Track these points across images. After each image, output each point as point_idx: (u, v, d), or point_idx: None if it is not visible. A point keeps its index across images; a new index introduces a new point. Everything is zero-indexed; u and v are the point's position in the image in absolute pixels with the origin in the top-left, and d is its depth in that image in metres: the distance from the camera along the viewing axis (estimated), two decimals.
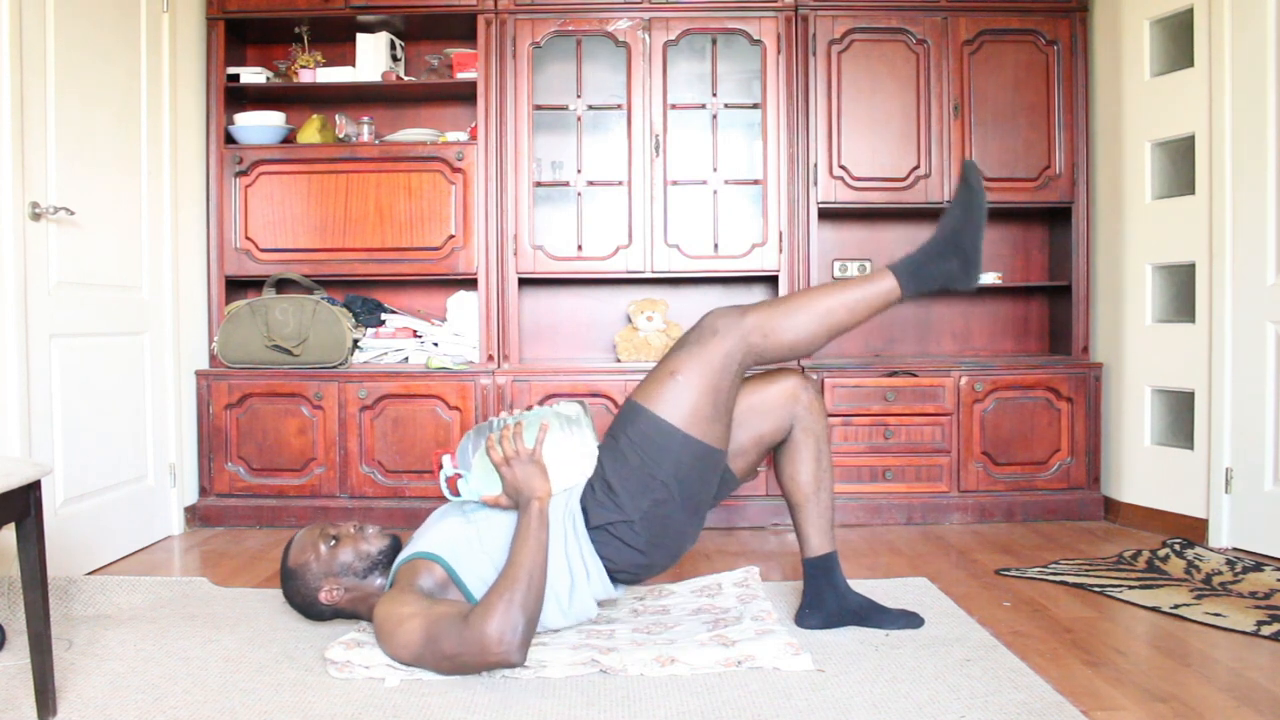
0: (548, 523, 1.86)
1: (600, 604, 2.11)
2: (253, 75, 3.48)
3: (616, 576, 1.98)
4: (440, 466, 1.99)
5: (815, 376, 3.29)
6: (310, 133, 3.48)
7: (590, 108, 3.50)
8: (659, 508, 1.92)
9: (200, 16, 3.41)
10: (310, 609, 2.05)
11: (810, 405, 2.09)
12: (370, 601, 2.01)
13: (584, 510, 1.94)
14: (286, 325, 3.30)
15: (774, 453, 2.14)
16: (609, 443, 1.99)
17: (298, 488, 3.29)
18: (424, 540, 1.96)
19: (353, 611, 2.05)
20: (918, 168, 3.44)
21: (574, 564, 1.93)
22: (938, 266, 1.96)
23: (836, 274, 3.61)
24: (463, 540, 1.93)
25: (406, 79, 3.52)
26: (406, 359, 3.44)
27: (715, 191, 3.48)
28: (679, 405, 1.91)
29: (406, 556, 1.94)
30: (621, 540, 1.92)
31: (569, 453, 1.97)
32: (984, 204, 1.97)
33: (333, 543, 2.03)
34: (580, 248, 3.46)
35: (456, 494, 1.98)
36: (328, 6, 3.39)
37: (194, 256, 3.38)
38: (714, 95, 3.48)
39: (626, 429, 1.95)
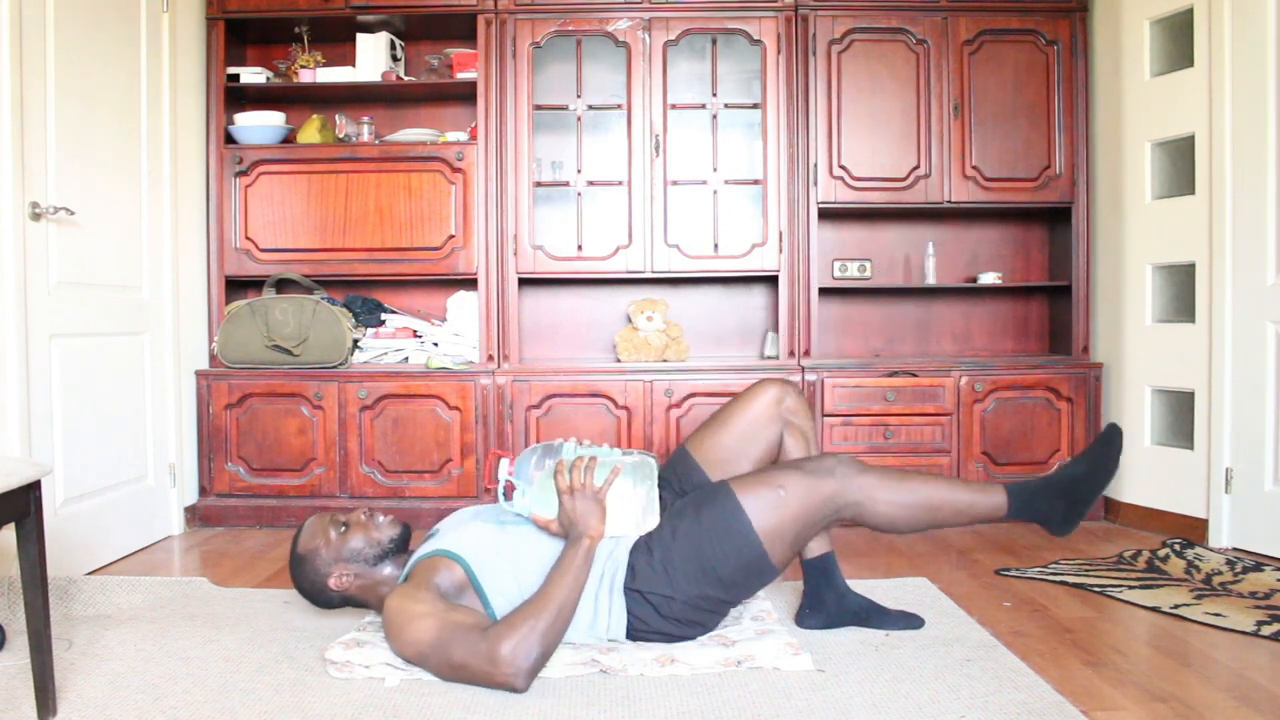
0: (591, 563, 1.85)
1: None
2: (253, 75, 3.48)
3: (635, 634, 1.95)
4: (495, 466, 1.97)
5: (815, 377, 3.29)
6: (310, 133, 3.48)
7: (590, 108, 3.50)
8: (704, 600, 1.91)
9: (200, 16, 3.41)
10: (319, 596, 2.03)
11: (795, 408, 2.13)
12: (379, 591, 2.00)
13: (631, 567, 1.92)
14: (286, 325, 3.30)
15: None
16: (688, 515, 1.95)
17: (298, 488, 3.29)
18: (450, 539, 1.94)
19: (361, 600, 2.03)
20: (918, 168, 3.44)
21: (600, 608, 1.91)
22: (1047, 505, 1.98)
23: (836, 274, 3.61)
24: (491, 548, 1.91)
25: (406, 79, 3.52)
26: (406, 359, 3.44)
27: (715, 191, 3.48)
28: (770, 518, 1.90)
29: (428, 552, 1.92)
30: (656, 609, 1.91)
31: (632, 504, 1.94)
32: (1114, 470, 1.99)
33: (343, 529, 2.02)
34: (580, 248, 3.46)
35: (509, 501, 1.96)
36: (328, 6, 3.39)
37: (194, 256, 3.38)
38: (714, 95, 3.48)
39: (712, 511, 1.92)
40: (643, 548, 1.93)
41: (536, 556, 1.90)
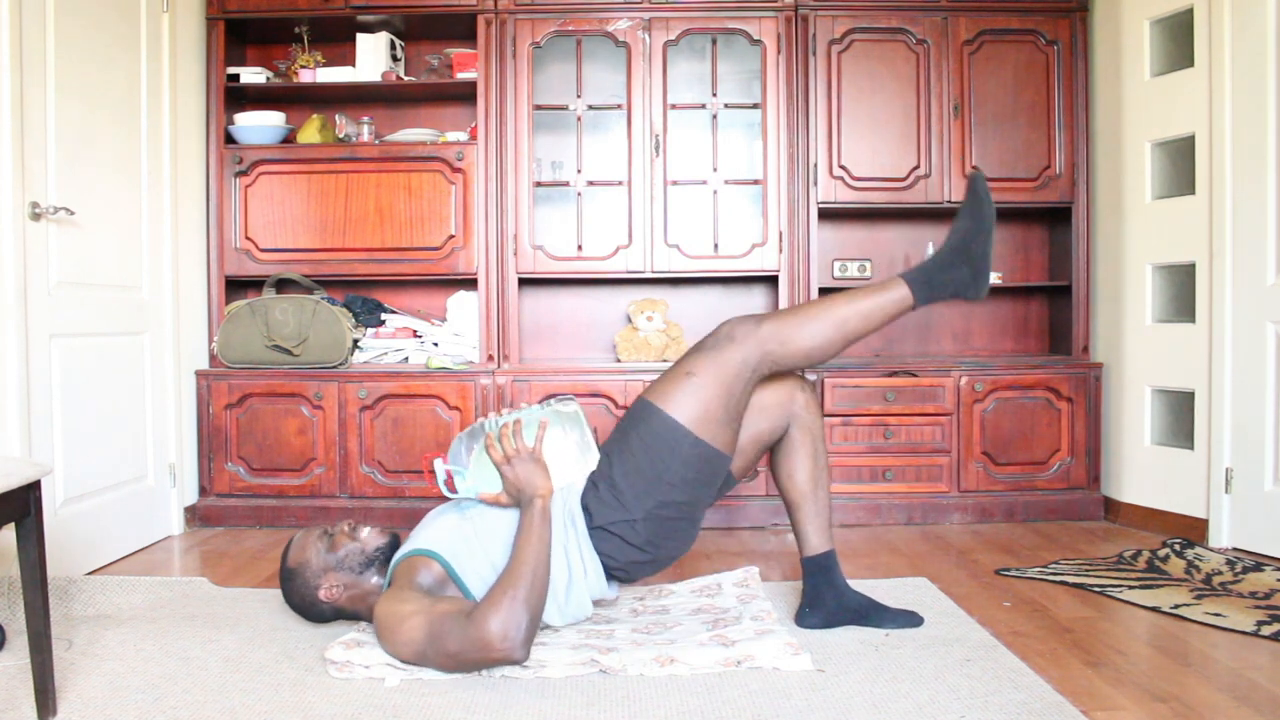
0: (550, 520, 1.86)
1: (596, 603, 2.11)
2: (253, 75, 3.48)
3: (613, 574, 1.99)
4: (431, 469, 1.99)
5: (815, 377, 3.29)
6: (310, 133, 3.48)
7: (590, 108, 3.50)
8: (663, 508, 1.92)
9: (200, 16, 3.41)
10: (310, 609, 2.05)
11: (807, 404, 2.11)
12: (369, 600, 2.01)
13: (585, 508, 1.94)
14: (286, 325, 3.30)
15: (771, 452, 2.15)
16: (617, 440, 1.99)
17: (298, 488, 3.29)
18: (420, 538, 1.96)
19: (353, 611, 2.04)
20: (918, 168, 3.44)
21: (573, 561, 1.93)
22: (949, 275, 1.99)
23: (837, 274, 3.61)
24: (460, 537, 1.93)
25: (406, 79, 3.52)
26: (406, 359, 3.44)
27: (715, 191, 3.48)
28: (692, 407, 1.92)
29: (403, 554, 1.94)
30: (622, 538, 1.92)
31: (568, 450, 1.98)
32: (992, 213, 2.00)
33: (329, 541, 2.04)
34: (580, 248, 3.46)
35: (454, 491, 1.98)
36: (328, 6, 3.39)
37: (194, 256, 3.38)
38: (714, 95, 3.48)
39: (637, 427, 1.96)
40: (590, 488, 1.96)
41: (502, 533, 1.92)
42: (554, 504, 1.94)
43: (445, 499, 2.01)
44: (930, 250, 3.61)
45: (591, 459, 1.99)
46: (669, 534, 1.95)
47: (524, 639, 1.71)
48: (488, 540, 1.92)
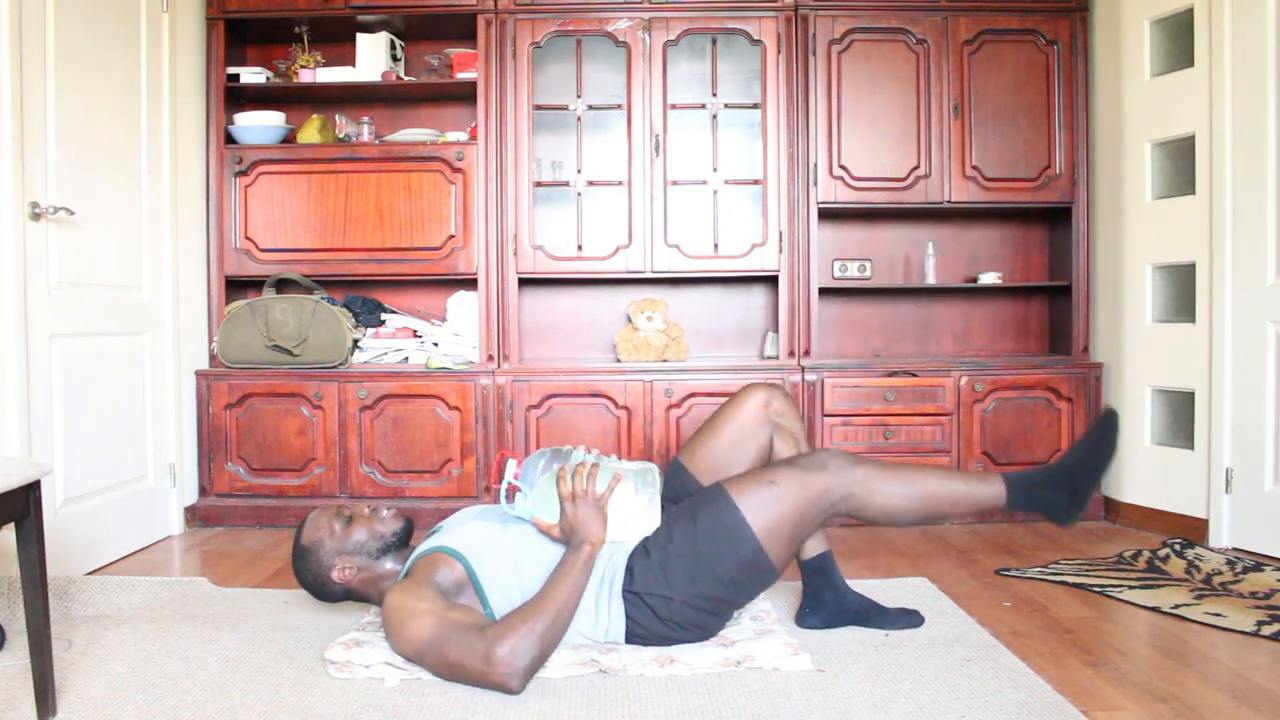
0: (591, 569, 1.85)
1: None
2: (253, 75, 3.48)
3: (633, 636, 1.94)
4: (503, 467, 1.97)
5: (815, 377, 3.29)
6: (310, 133, 3.48)
7: (590, 108, 3.50)
8: (702, 599, 1.90)
9: (200, 16, 3.41)
10: (322, 588, 2.03)
11: (782, 411, 2.13)
12: (381, 585, 2.00)
13: (629, 571, 1.92)
14: (286, 325, 3.30)
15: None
16: (684, 517, 1.95)
17: (298, 488, 3.29)
18: (452, 536, 1.94)
19: (363, 593, 2.03)
20: (918, 168, 3.44)
21: (600, 611, 1.91)
22: (1048, 494, 1.97)
23: (837, 274, 3.61)
24: (493, 548, 1.91)
25: (406, 79, 3.52)
26: (406, 359, 3.44)
27: (715, 191, 3.48)
28: (765, 514, 1.89)
29: (430, 548, 1.92)
30: (654, 611, 1.90)
31: (633, 510, 1.95)
32: (1113, 454, 1.98)
33: (347, 522, 2.03)
34: (580, 248, 3.46)
35: (511, 504, 1.97)
36: (328, 6, 3.39)
37: (194, 256, 3.38)
38: (714, 95, 3.48)
39: (707, 512, 1.92)
40: (640, 551, 1.93)
41: (538, 558, 1.90)
42: (600, 555, 1.92)
43: (472, 500, 1.98)
44: (931, 251, 3.61)
45: (650, 526, 1.96)
46: (698, 622, 1.93)
47: (526, 671, 1.70)
48: (521, 559, 1.90)
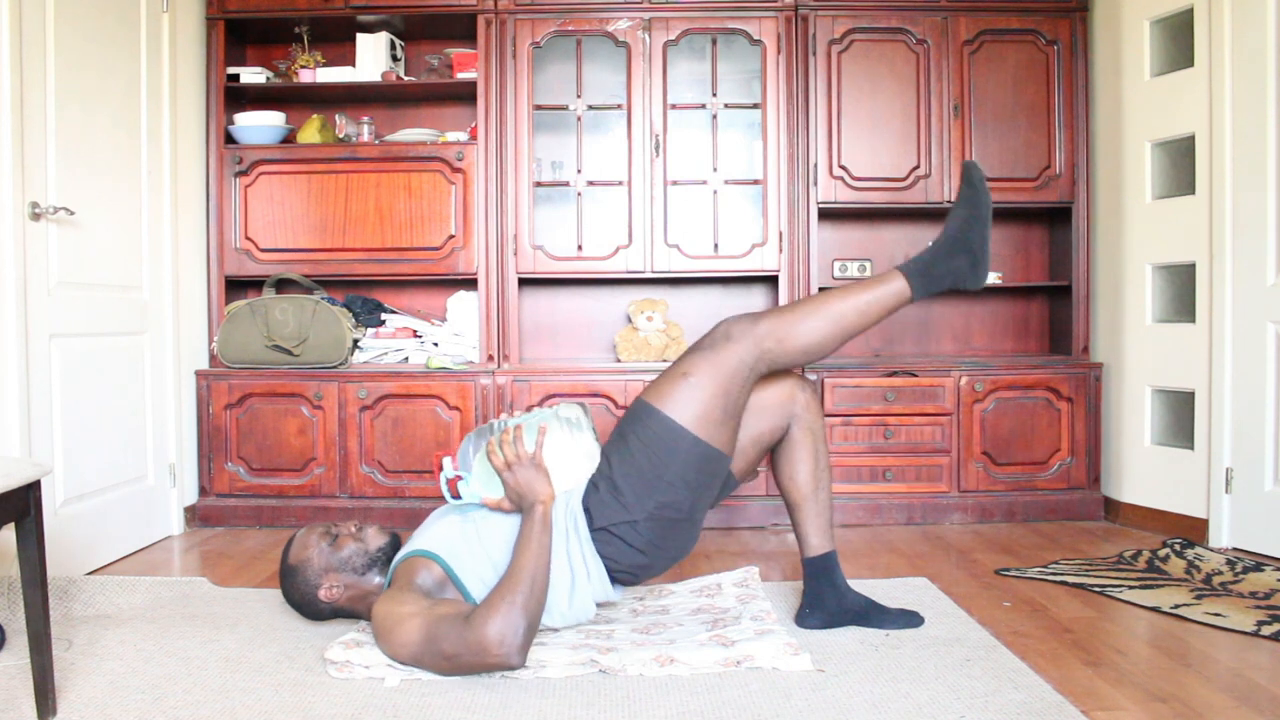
0: (551, 526, 1.86)
1: (599, 605, 2.11)
2: (253, 75, 3.48)
3: (616, 577, 1.98)
4: (441, 468, 1.99)
5: (815, 377, 3.29)
6: (310, 133, 3.48)
7: (590, 108, 3.50)
8: (664, 509, 1.92)
9: (200, 16, 3.41)
10: (309, 607, 2.05)
11: (808, 404, 2.10)
12: (369, 600, 2.01)
13: (586, 511, 1.94)
14: (286, 325, 3.30)
15: (772, 453, 2.15)
16: (616, 442, 1.99)
17: (298, 488, 3.29)
18: (421, 539, 1.96)
19: (352, 610, 2.04)
20: (918, 168, 3.44)
21: (575, 564, 1.92)
22: (946, 265, 1.97)
23: (837, 274, 3.61)
24: (460, 539, 1.93)
25: (406, 79, 3.52)
26: (406, 359, 3.44)
27: (715, 191, 3.48)
28: (690, 407, 1.91)
29: (404, 555, 1.94)
30: (624, 540, 1.92)
31: (570, 454, 1.97)
32: (989, 202, 1.99)
33: (332, 540, 2.04)
34: (580, 248, 3.46)
35: (457, 496, 1.98)
36: (328, 6, 3.39)
37: (194, 256, 3.38)
38: (714, 95, 3.48)
39: (635, 428, 1.95)
40: (590, 489, 1.95)
41: (503, 536, 1.92)
42: (556, 509, 1.93)
43: (447, 500, 2.01)
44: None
45: (593, 464, 1.98)
46: (670, 535, 1.94)
47: (521, 644, 1.71)
48: (489, 542, 1.92)
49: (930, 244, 2.01)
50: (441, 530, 1.96)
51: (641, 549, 1.92)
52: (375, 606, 1.84)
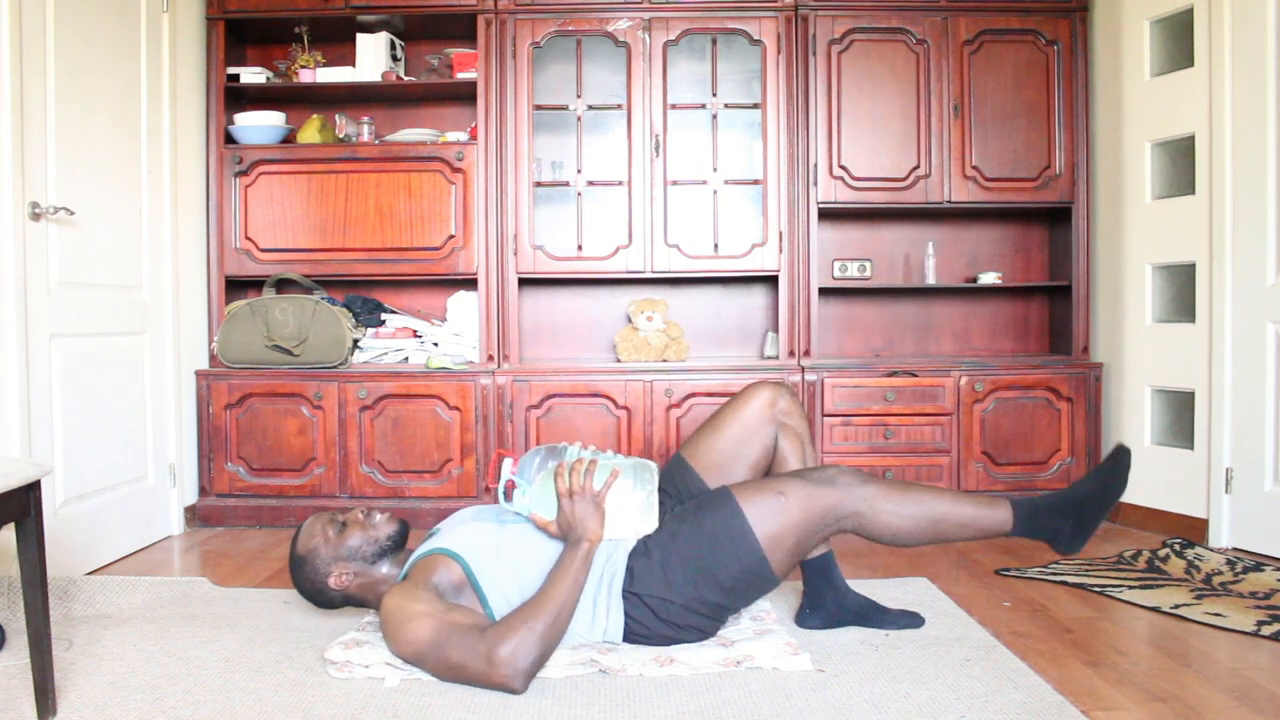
0: (590, 566, 1.84)
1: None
2: (253, 75, 3.48)
3: (632, 635, 1.94)
4: (498, 465, 1.97)
5: (815, 377, 3.29)
6: (310, 133, 3.48)
7: (590, 108, 3.50)
8: (701, 604, 1.90)
9: (200, 16, 3.41)
10: (319, 595, 2.03)
11: (788, 410, 2.12)
12: (379, 589, 2.00)
13: (629, 569, 1.91)
14: (286, 325, 3.30)
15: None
16: (687, 518, 1.95)
17: (298, 488, 3.29)
18: (449, 538, 1.93)
19: (361, 599, 2.03)
20: (918, 168, 3.44)
21: (598, 610, 1.91)
22: (1053, 521, 1.95)
23: (837, 274, 3.61)
24: (491, 548, 1.91)
25: (406, 79, 3.52)
26: (406, 359, 3.44)
27: (715, 191, 3.48)
28: (771, 524, 1.89)
29: (427, 550, 1.92)
30: (653, 611, 1.90)
31: (631, 507, 1.93)
32: (1123, 489, 1.97)
33: (342, 528, 2.02)
34: (580, 248, 3.46)
35: (509, 501, 1.96)
36: (328, 6, 3.39)
37: (194, 256, 3.38)
38: (714, 95, 3.48)
39: (713, 516, 1.92)
40: (641, 551, 1.92)
41: (536, 557, 1.90)
42: (598, 552, 1.92)
43: (472, 500, 1.98)
44: (931, 251, 3.61)
45: (650, 524, 1.94)
46: (695, 625, 1.93)
47: (528, 671, 1.70)
48: (520, 559, 1.90)
49: (1050, 493, 1.99)
50: (472, 533, 1.94)
51: (667, 624, 1.91)
52: (386, 599, 1.83)
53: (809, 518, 1.90)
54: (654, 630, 1.91)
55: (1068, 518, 1.94)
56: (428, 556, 1.90)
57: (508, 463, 1.97)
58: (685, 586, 1.88)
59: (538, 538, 1.94)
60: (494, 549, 1.91)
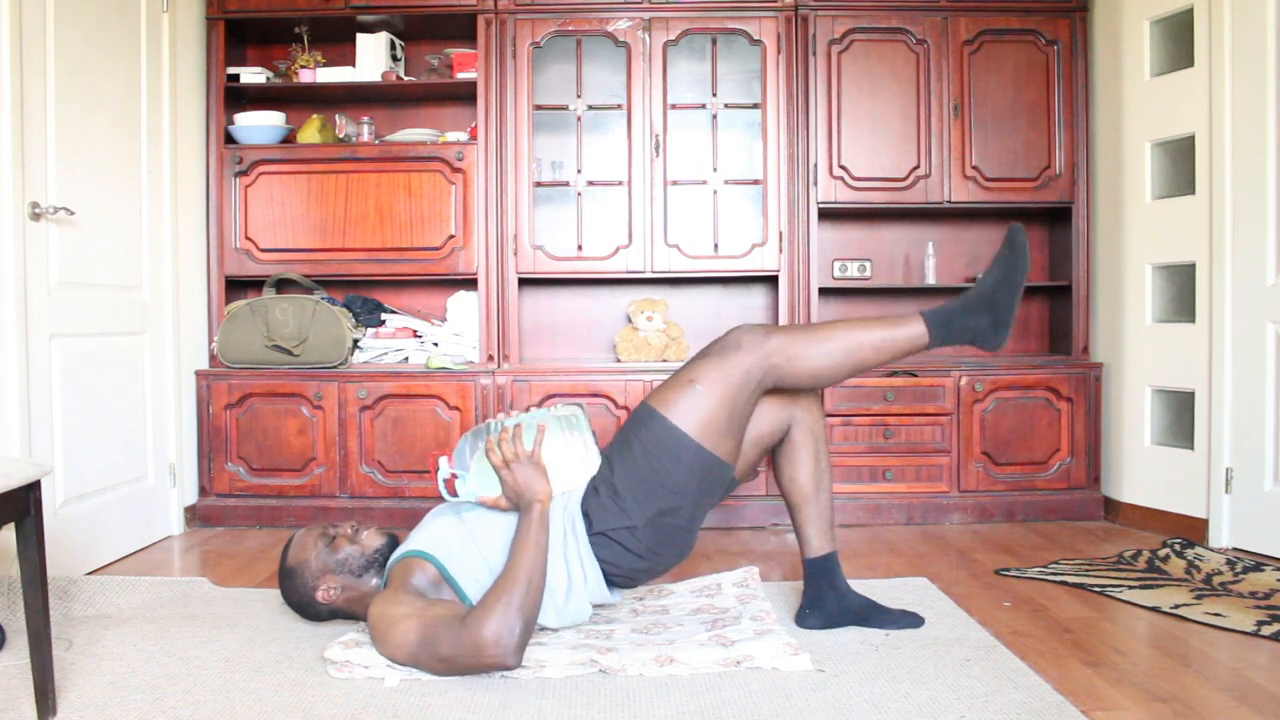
0: (548, 526, 1.86)
1: (598, 607, 2.11)
2: (253, 75, 3.48)
3: (613, 580, 1.98)
4: (437, 468, 1.99)
5: None
6: (310, 133, 3.48)
7: (590, 108, 3.50)
8: (664, 516, 1.92)
9: (200, 16, 3.41)
10: (307, 608, 2.05)
11: (808, 405, 2.11)
12: (366, 601, 2.01)
13: (586, 515, 1.94)
14: (286, 325, 3.30)
15: (772, 454, 2.15)
16: (619, 445, 1.98)
17: (298, 488, 3.29)
18: (416, 539, 1.96)
19: (349, 612, 2.05)
20: (918, 168, 3.44)
21: (572, 567, 1.93)
22: (969, 321, 1.95)
23: (837, 274, 3.61)
24: (455, 539, 1.93)
25: (406, 79, 3.52)
26: (406, 359, 3.44)
27: (715, 191, 3.48)
28: (694, 414, 1.90)
29: (399, 556, 1.95)
30: (622, 545, 1.92)
31: (568, 455, 1.97)
32: (1026, 269, 1.96)
33: (329, 542, 2.04)
34: (580, 248, 3.46)
35: (454, 495, 1.98)
36: (328, 6, 3.39)
37: (194, 256, 3.38)
38: (714, 95, 3.48)
39: (639, 433, 1.95)
40: (590, 493, 1.95)
41: (496, 536, 1.92)
42: (554, 509, 1.94)
43: (445, 499, 2.01)
44: (931, 251, 3.61)
45: (592, 464, 1.98)
46: (668, 541, 1.94)
47: (517, 645, 1.71)
48: (484, 543, 1.92)
49: (959, 296, 1.99)
50: (435, 530, 1.96)
51: (640, 554, 1.92)
52: (371, 608, 1.84)
53: (729, 391, 1.91)
54: (630, 565, 1.93)
55: (982, 314, 1.94)
56: (401, 561, 1.92)
57: (443, 460, 1.98)
58: (640, 506, 1.90)
59: (494, 516, 1.95)
60: (458, 539, 1.93)
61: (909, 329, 1.96)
